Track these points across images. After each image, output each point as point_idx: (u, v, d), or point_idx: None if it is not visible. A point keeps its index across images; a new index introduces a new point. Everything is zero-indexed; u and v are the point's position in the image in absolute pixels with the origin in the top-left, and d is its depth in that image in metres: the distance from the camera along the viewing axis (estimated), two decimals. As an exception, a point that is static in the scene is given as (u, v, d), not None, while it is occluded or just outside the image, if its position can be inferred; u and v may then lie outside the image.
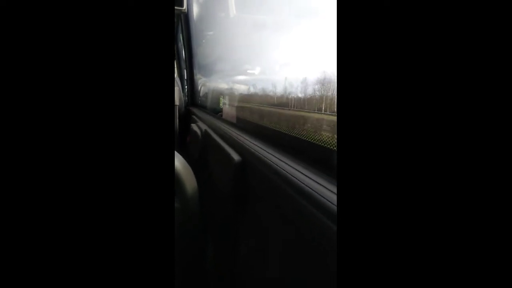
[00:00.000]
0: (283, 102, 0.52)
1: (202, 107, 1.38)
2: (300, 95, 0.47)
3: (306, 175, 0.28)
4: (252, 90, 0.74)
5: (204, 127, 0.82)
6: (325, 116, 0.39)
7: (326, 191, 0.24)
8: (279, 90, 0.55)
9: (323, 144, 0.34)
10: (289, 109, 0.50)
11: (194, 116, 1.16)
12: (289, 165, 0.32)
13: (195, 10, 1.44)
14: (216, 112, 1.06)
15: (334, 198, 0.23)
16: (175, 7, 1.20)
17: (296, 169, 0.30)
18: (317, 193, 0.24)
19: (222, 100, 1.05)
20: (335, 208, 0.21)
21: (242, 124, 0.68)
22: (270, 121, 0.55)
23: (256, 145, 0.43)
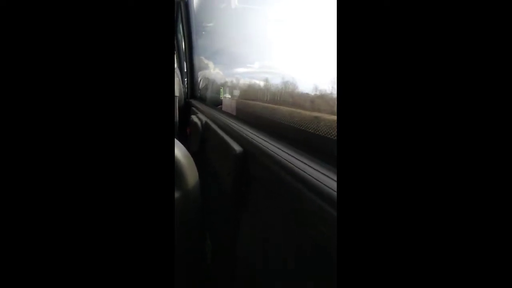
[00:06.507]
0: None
1: (202, 100, 1.36)
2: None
3: (307, 164, 0.29)
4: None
5: (204, 118, 0.82)
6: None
7: (328, 180, 0.25)
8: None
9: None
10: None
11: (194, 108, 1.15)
12: (290, 155, 0.33)
13: None
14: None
15: (335, 186, 0.23)
16: None
17: (297, 158, 0.31)
18: (319, 181, 0.25)
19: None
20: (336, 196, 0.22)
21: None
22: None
23: (257, 136, 0.43)
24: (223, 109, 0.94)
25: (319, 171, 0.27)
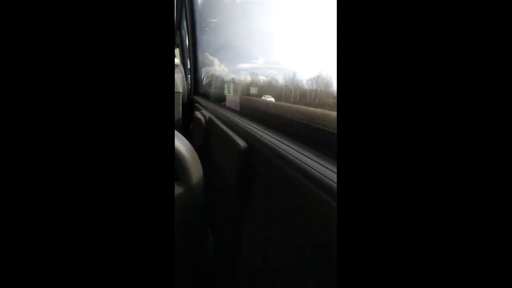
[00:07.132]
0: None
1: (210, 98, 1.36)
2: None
3: (311, 158, 0.28)
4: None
5: (208, 114, 0.82)
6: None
7: (332, 174, 0.24)
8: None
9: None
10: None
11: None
12: (295, 149, 0.32)
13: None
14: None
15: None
16: None
17: (302, 153, 0.30)
18: (326, 176, 0.24)
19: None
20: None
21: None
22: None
23: (261, 131, 0.43)
24: (226, 105, 0.93)
25: (325, 167, 0.26)
